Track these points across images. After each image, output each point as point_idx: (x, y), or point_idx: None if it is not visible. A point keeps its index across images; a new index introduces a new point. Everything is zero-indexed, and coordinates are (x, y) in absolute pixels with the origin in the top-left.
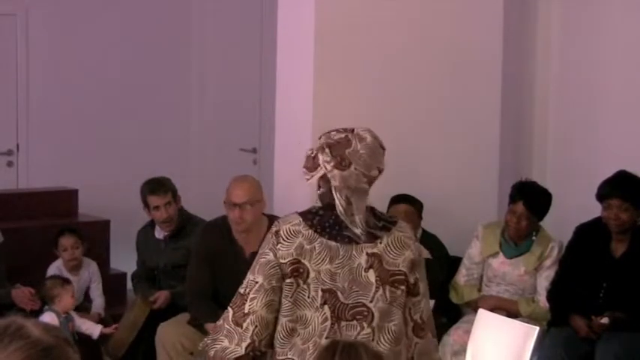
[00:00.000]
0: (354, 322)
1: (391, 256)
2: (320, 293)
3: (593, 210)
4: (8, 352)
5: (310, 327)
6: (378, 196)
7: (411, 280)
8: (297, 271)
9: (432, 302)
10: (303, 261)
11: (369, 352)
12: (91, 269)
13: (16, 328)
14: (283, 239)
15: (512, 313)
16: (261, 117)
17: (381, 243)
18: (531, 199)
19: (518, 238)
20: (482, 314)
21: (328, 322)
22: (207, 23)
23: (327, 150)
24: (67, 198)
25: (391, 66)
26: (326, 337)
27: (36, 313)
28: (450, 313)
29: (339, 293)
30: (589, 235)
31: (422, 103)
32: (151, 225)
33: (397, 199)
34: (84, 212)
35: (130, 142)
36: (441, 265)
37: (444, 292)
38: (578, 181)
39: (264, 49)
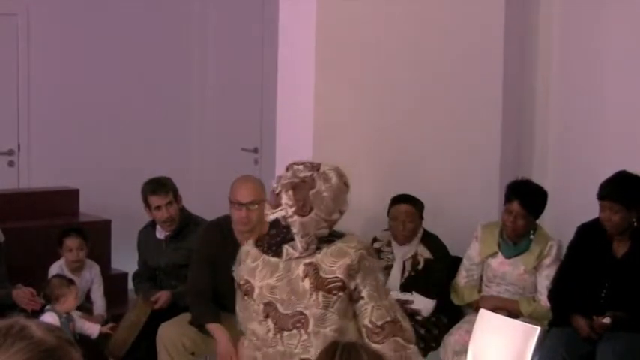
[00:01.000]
0: (294, 330)
1: (328, 264)
2: (262, 307)
3: (594, 210)
4: (11, 352)
5: (257, 338)
6: (379, 197)
7: (351, 287)
8: (247, 289)
9: (433, 302)
10: (250, 280)
11: (369, 352)
12: (93, 271)
13: (19, 328)
14: (241, 262)
15: (513, 313)
16: (262, 117)
17: (319, 253)
18: (526, 198)
19: (515, 238)
20: (484, 314)
21: (271, 333)
22: (209, 23)
23: (290, 192)
24: (68, 198)
25: (392, 66)
26: (269, 345)
27: (37, 314)
28: (451, 313)
29: (278, 305)
30: (590, 234)
31: (422, 104)
32: (152, 225)
33: (398, 200)
34: (85, 212)
35: (131, 141)
36: (442, 265)
37: (445, 292)
38: (579, 181)
39: (266, 49)
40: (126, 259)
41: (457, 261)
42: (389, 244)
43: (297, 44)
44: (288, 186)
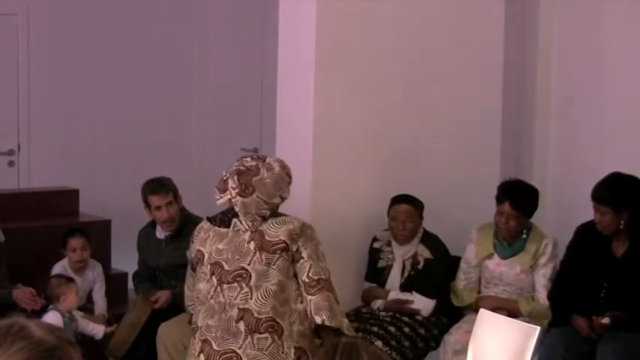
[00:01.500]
0: (235, 284)
1: (272, 230)
2: (209, 267)
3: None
4: (11, 352)
5: (202, 295)
6: (379, 197)
7: (293, 248)
8: (198, 257)
9: (433, 302)
10: (201, 249)
11: (370, 351)
12: (96, 271)
13: (19, 328)
14: (194, 239)
15: (513, 313)
16: (262, 117)
17: (265, 224)
18: (517, 198)
19: (509, 239)
20: (483, 314)
21: (213, 287)
22: (209, 23)
23: (235, 177)
24: (68, 198)
25: (392, 67)
26: (210, 298)
27: (38, 313)
28: (451, 313)
29: (223, 263)
30: (589, 234)
31: (422, 104)
32: (152, 225)
33: (398, 199)
34: (85, 212)
35: (131, 141)
36: (442, 265)
37: (445, 292)
38: (579, 181)
39: (266, 49)
40: (126, 259)
41: (457, 261)
42: (389, 243)
43: (297, 44)
44: (234, 172)
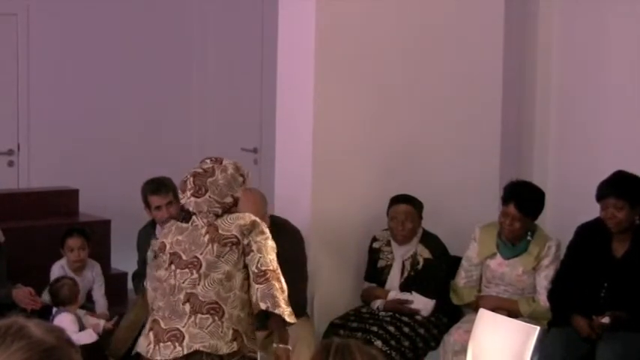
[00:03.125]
0: (186, 269)
1: (226, 225)
2: (168, 256)
3: (594, 210)
4: (10, 352)
5: (159, 280)
6: (378, 197)
7: (245, 242)
8: (160, 247)
9: (432, 302)
10: (164, 240)
11: (363, 352)
12: (94, 271)
13: (18, 328)
14: (158, 236)
15: (512, 313)
16: (262, 117)
17: (219, 219)
18: (522, 200)
19: (513, 239)
20: (483, 314)
21: (169, 272)
22: (209, 23)
23: (191, 179)
24: (68, 198)
25: (391, 66)
26: (164, 281)
27: (38, 313)
28: (451, 313)
29: (181, 253)
30: (590, 235)
31: (422, 104)
32: (152, 225)
33: (397, 200)
34: (85, 212)
35: (131, 141)
36: (442, 265)
37: (444, 292)
38: (579, 181)
39: (265, 49)
40: (126, 259)
41: (457, 261)
42: (388, 243)
43: (296, 44)
44: (191, 174)
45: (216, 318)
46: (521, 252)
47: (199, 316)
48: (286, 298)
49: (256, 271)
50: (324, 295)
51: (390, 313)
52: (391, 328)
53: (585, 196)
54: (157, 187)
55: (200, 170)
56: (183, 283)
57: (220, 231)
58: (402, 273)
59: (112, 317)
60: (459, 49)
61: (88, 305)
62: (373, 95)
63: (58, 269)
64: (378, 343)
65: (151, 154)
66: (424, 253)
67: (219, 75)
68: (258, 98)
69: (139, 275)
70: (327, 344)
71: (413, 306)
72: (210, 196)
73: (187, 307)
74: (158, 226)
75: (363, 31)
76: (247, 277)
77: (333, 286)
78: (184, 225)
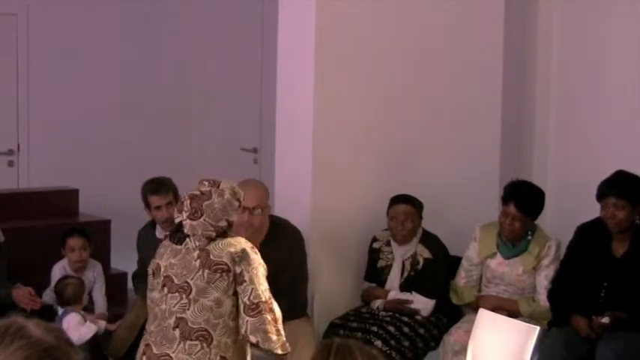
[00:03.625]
0: (177, 294)
1: (217, 251)
2: (162, 279)
3: (594, 210)
4: (9, 351)
5: (154, 303)
6: (378, 197)
7: (237, 270)
8: (156, 269)
9: (432, 302)
10: (159, 262)
11: (364, 352)
12: (96, 271)
13: (17, 327)
14: (156, 255)
15: (512, 313)
16: (261, 117)
17: (212, 244)
18: (522, 200)
19: (513, 239)
20: (483, 314)
21: (165, 296)
22: (209, 23)
23: (188, 201)
24: (68, 198)
25: (391, 67)
26: (157, 305)
27: (38, 314)
28: (451, 313)
29: (173, 277)
30: (590, 234)
31: (422, 104)
32: (152, 225)
33: (397, 200)
34: (85, 212)
35: (131, 141)
36: (442, 265)
37: (444, 292)
38: (578, 181)
39: (265, 49)
40: (125, 259)
41: (457, 261)
42: (388, 243)
43: (296, 45)
44: (188, 197)
45: (205, 345)
46: (522, 252)
47: (188, 342)
48: (280, 328)
49: (248, 303)
50: (324, 295)
51: (390, 313)
52: (391, 328)
53: (585, 196)
54: (157, 187)
55: (197, 193)
56: (173, 307)
57: (212, 257)
58: (402, 273)
59: (111, 317)
60: (459, 49)
61: (89, 306)
62: (373, 95)
63: (59, 270)
64: (378, 343)
65: (151, 154)
66: (424, 253)
67: (219, 75)
68: (258, 98)
69: (139, 275)
70: (327, 344)
71: (413, 306)
72: (205, 220)
73: (177, 332)
74: (158, 227)
75: (363, 31)
76: (236, 305)
77: (333, 286)
78: (178, 247)
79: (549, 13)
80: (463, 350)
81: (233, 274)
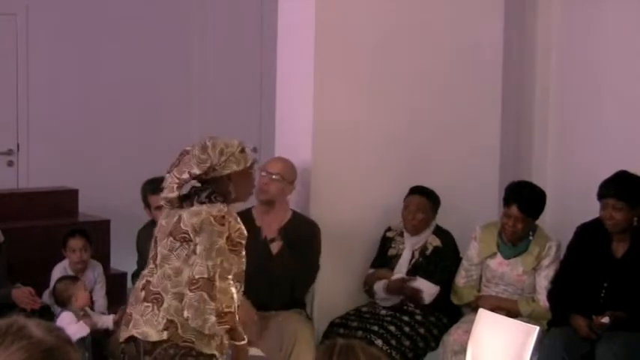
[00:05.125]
0: (150, 260)
1: (186, 219)
2: (152, 243)
3: (594, 210)
4: (10, 352)
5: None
6: (379, 196)
7: (196, 241)
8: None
9: (436, 288)
10: (159, 221)
11: (367, 352)
12: (96, 271)
13: (18, 328)
14: None
15: (512, 313)
16: (261, 116)
17: (186, 209)
18: (525, 201)
19: (515, 240)
20: (483, 314)
21: (149, 259)
22: (208, 23)
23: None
24: (68, 198)
25: (391, 66)
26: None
27: (39, 314)
28: (451, 313)
29: (158, 241)
30: (590, 235)
31: (422, 104)
32: (152, 225)
33: (414, 190)
34: (84, 212)
35: (130, 141)
36: (451, 255)
37: (448, 286)
38: (578, 181)
39: (265, 49)
40: (125, 259)
41: (458, 262)
42: (401, 234)
43: (296, 44)
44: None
45: (155, 307)
46: (522, 252)
47: (144, 304)
48: (213, 308)
49: (192, 277)
50: (324, 295)
51: (391, 313)
52: (392, 328)
53: (585, 196)
54: (158, 186)
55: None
56: (145, 270)
57: (181, 224)
58: (411, 261)
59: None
60: (458, 49)
61: (89, 306)
62: (372, 95)
63: (60, 271)
64: (379, 342)
65: (151, 154)
66: (434, 242)
67: (219, 74)
68: (258, 98)
69: (139, 275)
70: (330, 345)
71: (415, 284)
72: (173, 173)
73: (142, 294)
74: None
75: (363, 30)
76: None
77: (334, 286)
78: (172, 211)
79: (549, 13)
80: (463, 350)
81: (193, 244)
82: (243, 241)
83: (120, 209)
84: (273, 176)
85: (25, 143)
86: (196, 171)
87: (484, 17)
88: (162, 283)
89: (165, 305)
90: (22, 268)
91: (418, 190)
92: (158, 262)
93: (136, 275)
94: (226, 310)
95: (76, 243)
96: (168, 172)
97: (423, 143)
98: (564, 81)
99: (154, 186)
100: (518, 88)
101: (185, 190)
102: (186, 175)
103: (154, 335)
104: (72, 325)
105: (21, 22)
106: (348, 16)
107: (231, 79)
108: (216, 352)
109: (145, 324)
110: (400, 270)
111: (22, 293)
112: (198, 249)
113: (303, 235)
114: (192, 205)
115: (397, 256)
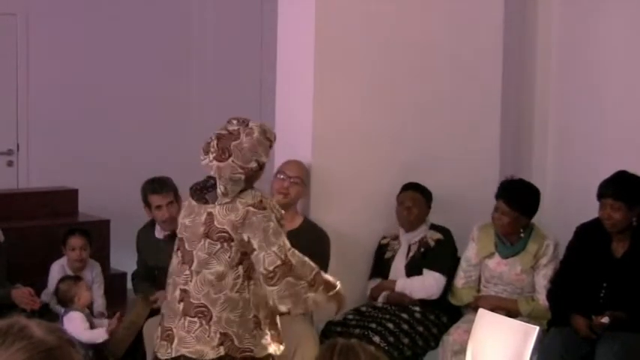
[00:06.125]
0: (185, 265)
1: (220, 216)
2: (177, 241)
3: (594, 210)
4: (11, 352)
5: (171, 268)
6: (379, 197)
7: (244, 238)
8: (179, 230)
9: (444, 279)
10: (180, 220)
11: (367, 352)
12: (94, 271)
13: (19, 328)
14: None
15: (512, 313)
16: (261, 116)
17: (219, 205)
18: (511, 196)
19: (507, 235)
20: (482, 314)
21: (179, 264)
22: (208, 23)
23: (215, 141)
24: (67, 198)
25: (391, 66)
26: (176, 275)
27: (39, 314)
28: (450, 312)
29: (185, 242)
30: (589, 235)
31: (422, 104)
32: (151, 225)
33: (407, 186)
34: (84, 212)
35: (130, 141)
36: (452, 245)
37: (444, 293)
38: (578, 181)
39: (265, 49)
40: (125, 259)
41: (458, 259)
42: (395, 237)
43: (296, 45)
44: (215, 136)
45: (204, 322)
46: (519, 251)
47: (188, 319)
48: (304, 285)
49: (265, 272)
50: None
51: (390, 308)
52: (390, 325)
53: (585, 196)
54: (158, 186)
55: (225, 132)
56: (179, 278)
57: (215, 223)
58: (407, 256)
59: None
60: (458, 49)
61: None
62: (372, 95)
63: (57, 268)
64: (377, 339)
65: (151, 154)
66: (435, 236)
67: (219, 75)
68: (258, 98)
69: (139, 275)
70: (331, 345)
71: (422, 287)
72: (233, 161)
73: (181, 306)
74: (157, 227)
75: (362, 31)
76: (241, 276)
77: None
78: (194, 203)
79: (549, 13)
80: (462, 350)
81: (238, 242)
82: (283, 221)
83: (120, 209)
84: (292, 179)
85: (25, 143)
86: (264, 159)
87: (484, 17)
88: (203, 290)
89: (214, 319)
90: (21, 268)
91: (412, 186)
92: (194, 267)
93: (135, 275)
94: (312, 276)
95: (76, 241)
96: (220, 160)
97: (423, 143)
98: (564, 81)
99: (154, 186)
100: (518, 89)
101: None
102: (253, 164)
103: (209, 353)
104: (91, 331)
105: (21, 22)
106: (348, 17)
107: (231, 79)
108: (271, 351)
109: (198, 342)
110: (397, 267)
111: (21, 293)
112: (256, 243)
113: (310, 245)
114: (215, 198)
115: (394, 257)
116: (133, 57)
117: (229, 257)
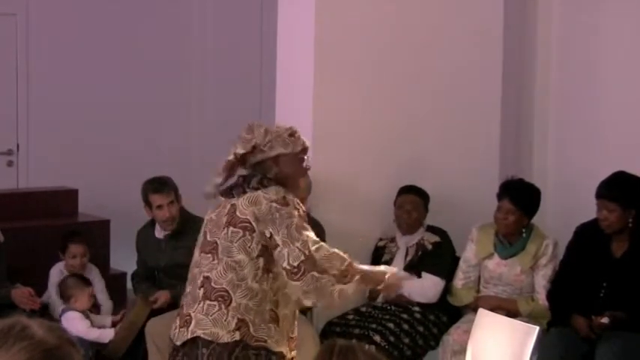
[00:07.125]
0: (209, 254)
1: (243, 207)
2: (200, 236)
3: (593, 210)
4: (12, 352)
5: (194, 263)
6: (379, 197)
7: (266, 233)
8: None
9: (442, 282)
10: (207, 217)
11: (366, 353)
12: (92, 274)
13: (21, 328)
14: None
15: (512, 313)
16: (261, 117)
17: (241, 197)
18: (516, 194)
19: (509, 235)
20: (482, 314)
21: (200, 255)
22: (208, 23)
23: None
24: (67, 198)
25: (391, 67)
26: (195, 266)
27: (40, 314)
28: (450, 312)
29: (207, 233)
30: (589, 235)
31: (422, 104)
32: (151, 224)
33: (404, 189)
34: (84, 212)
35: (130, 141)
36: (450, 248)
37: (444, 292)
38: (578, 181)
39: (265, 49)
40: (125, 259)
41: (456, 260)
42: (392, 240)
43: (296, 45)
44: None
45: (223, 306)
46: (519, 251)
47: (207, 302)
48: (330, 278)
49: (289, 267)
50: None
51: (390, 309)
52: (390, 325)
53: (584, 197)
54: (159, 186)
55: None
56: (203, 267)
57: (238, 213)
58: (405, 258)
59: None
60: (458, 49)
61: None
62: (372, 96)
63: (57, 273)
64: (377, 338)
65: (151, 154)
66: (432, 239)
67: (219, 75)
68: (258, 98)
69: (139, 275)
70: (330, 345)
71: (420, 291)
72: (255, 142)
73: (201, 292)
74: (157, 226)
75: (362, 31)
76: (261, 268)
77: None
78: (221, 198)
79: (549, 12)
80: (462, 350)
81: (259, 235)
82: (306, 218)
83: (120, 209)
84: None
85: (25, 143)
86: (240, 150)
87: (484, 18)
88: (227, 276)
89: (234, 304)
90: (21, 268)
91: (410, 189)
92: (219, 255)
93: (135, 275)
94: (344, 267)
95: (77, 249)
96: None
97: (422, 144)
98: (564, 81)
99: (154, 185)
100: (518, 89)
101: (231, 182)
102: (230, 157)
103: (225, 336)
104: (100, 330)
105: (21, 22)
106: (348, 17)
107: (231, 79)
108: (284, 350)
109: (214, 325)
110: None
111: (21, 294)
112: (279, 239)
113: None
114: (244, 192)
115: (392, 259)
116: (133, 57)
117: (250, 247)
